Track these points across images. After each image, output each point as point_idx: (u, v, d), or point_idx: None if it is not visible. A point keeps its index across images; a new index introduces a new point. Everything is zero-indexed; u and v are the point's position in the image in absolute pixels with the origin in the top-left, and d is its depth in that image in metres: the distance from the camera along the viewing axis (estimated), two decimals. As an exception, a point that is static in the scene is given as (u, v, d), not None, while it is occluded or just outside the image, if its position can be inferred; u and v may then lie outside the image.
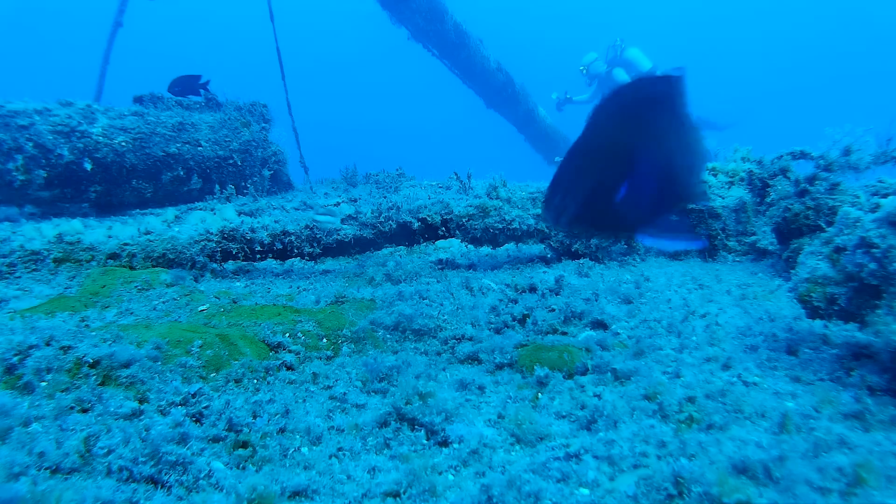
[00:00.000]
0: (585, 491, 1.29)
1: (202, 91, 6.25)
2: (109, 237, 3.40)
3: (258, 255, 3.50)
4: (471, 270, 3.57)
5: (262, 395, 1.79)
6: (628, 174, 1.44)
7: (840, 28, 40.86)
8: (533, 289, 2.85)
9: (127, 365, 1.71)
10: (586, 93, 11.91)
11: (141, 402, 1.63)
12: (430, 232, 3.73)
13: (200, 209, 5.11)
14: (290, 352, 2.11)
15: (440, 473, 1.43)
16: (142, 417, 1.55)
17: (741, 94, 36.23)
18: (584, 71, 11.53)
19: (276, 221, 3.63)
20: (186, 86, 6.18)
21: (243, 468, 1.45)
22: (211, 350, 1.91)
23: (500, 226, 3.70)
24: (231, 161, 5.99)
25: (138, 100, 5.91)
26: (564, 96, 12.16)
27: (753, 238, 4.04)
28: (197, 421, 1.58)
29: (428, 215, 3.69)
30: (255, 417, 1.64)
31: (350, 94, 48.51)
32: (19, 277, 3.07)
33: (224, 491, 1.31)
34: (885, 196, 3.35)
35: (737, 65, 41.99)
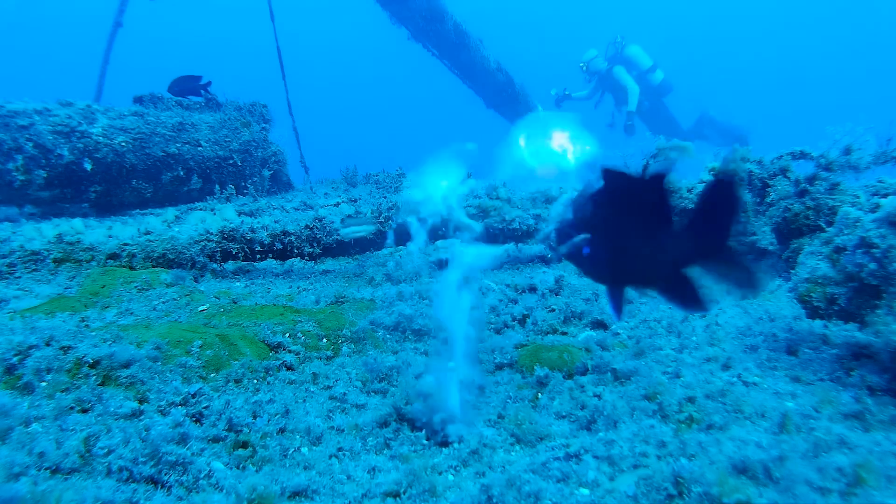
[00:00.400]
0: (585, 491, 1.29)
1: (202, 92, 6.24)
2: (109, 237, 3.39)
3: (258, 256, 3.50)
4: (471, 270, 3.56)
5: (262, 395, 1.79)
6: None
7: (840, 27, 40.88)
8: (533, 289, 2.85)
9: (127, 365, 1.71)
10: (585, 89, 11.91)
11: (141, 402, 1.63)
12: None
13: (200, 209, 5.10)
14: (290, 352, 2.11)
15: (440, 473, 1.43)
16: (142, 417, 1.55)
17: (740, 93, 36.23)
18: (584, 67, 11.54)
19: (276, 221, 3.63)
20: (187, 86, 6.18)
21: (243, 468, 1.45)
22: (211, 350, 1.91)
23: (500, 226, 3.70)
24: (231, 161, 5.99)
25: (138, 100, 5.91)
26: (563, 92, 12.16)
27: (753, 238, 4.03)
28: (197, 421, 1.58)
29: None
30: (255, 417, 1.64)
31: (350, 94, 48.54)
32: (19, 277, 3.07)
33: (224, 491, 1.31)
34: (885, 196, 3.35)
35: (736, 64, 42.01)
